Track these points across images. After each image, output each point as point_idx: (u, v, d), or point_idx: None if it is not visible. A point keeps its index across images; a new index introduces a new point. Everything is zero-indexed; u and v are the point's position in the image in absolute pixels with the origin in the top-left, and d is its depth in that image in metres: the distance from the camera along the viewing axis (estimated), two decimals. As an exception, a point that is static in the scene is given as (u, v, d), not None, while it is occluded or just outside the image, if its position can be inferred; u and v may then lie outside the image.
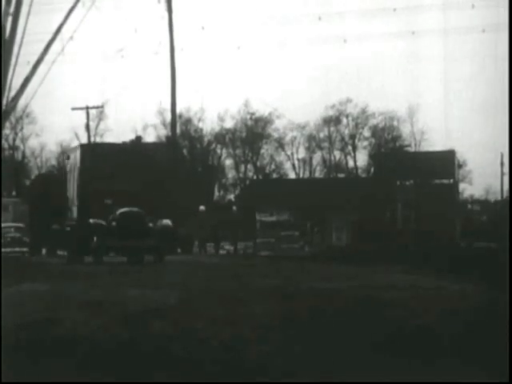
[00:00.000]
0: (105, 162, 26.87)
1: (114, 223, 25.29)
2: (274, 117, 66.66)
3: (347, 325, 9.81)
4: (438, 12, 47.16)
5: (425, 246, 30.05)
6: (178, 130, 55.55)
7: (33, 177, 61.54)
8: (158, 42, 37.98)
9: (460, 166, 54.34)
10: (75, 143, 60.87)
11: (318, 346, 8.46)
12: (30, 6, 12.04)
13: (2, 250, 31.30)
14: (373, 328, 9.51)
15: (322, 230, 39.14)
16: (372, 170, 59.32)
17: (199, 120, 67.86)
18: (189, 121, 67.39)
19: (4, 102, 12.22)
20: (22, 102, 13.45)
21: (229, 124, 68.12)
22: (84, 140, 44.85)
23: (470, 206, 48.36)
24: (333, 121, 66.36)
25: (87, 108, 54.46)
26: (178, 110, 41.90)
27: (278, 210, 37.22)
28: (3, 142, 61.83)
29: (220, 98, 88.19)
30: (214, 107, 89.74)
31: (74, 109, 55.04)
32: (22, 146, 69.04)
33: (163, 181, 28.73)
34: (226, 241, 38.79)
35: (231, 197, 67.33)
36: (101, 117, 64.75)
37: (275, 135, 68.10)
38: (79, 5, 13.81)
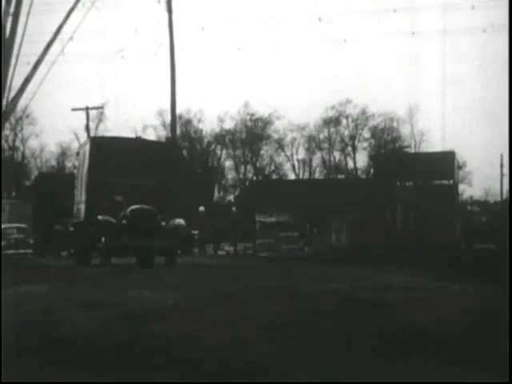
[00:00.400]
0: (116, 156, 24.98)
1: (124, 221, 23.21)
2: (274, 118, 66.81)
3: (347, 325, 9.81)
4: (438, 13, 47.15)
5: (424, 246, 30.06)
6: (178, 131, 55.65)
7: (33, 177, 61.57)
8: (158, 42, 38.06)
9: (460, 167, 54.40)
10: (75, 144, 60.94)
11: (318, 345, 8.47)
12: (30, 6, 12.05)
13: (6, 251, 31.18)
14: (372, 328, 9.51)
15: (322, 231, 39.19)
16: (372, 170, 59.39)
17: (199, 121, 68.01)
18: (189, 122, 67.53)
19: (4, 102, 12.22)
20: (21, 103, 13.46)
21: (228, 125, 68.28)
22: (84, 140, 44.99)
23: (469, 207, 48.35)
24: (332, 122, 66.50)
25: (87, 109, 54.62)
26: (177, 111, 42.02)
27: (277, 211, 37.23)
28: (3, 142, 61.91)
29: (220, 98, 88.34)
30: (213, 108, 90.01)
31: (73, 109, 55.18)
32: (21, 147, 69.20)
33: (173, 179, 27.54)
34: (225, 242, 38.81)
35: (231, 198, 67.38)
36: (101, 117, 64.98)
37: (275, 136, 68.26)
38: (79, 5, 13.83)
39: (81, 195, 26.07)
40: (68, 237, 28.91)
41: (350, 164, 67.53)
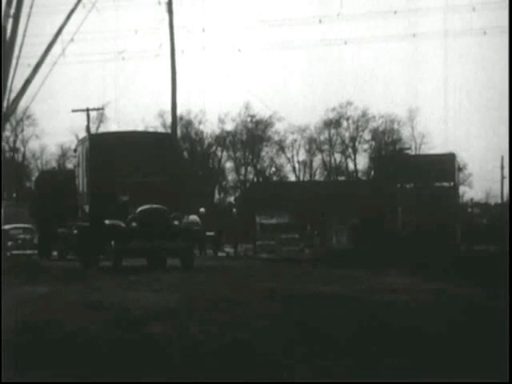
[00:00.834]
0: (118, 153, 23.81)
1: (133, 224, 21.69)
2: (275, 119, 66.87)
3: (346, 325, 9.83)
4: (438, 14, 47.27)
5: (425, 248, 30.07)
6: (179, 133, 55.67)
7: (33, 178, 61.56)
8: (159, 43, 38.01)
9: (460, 169, 54.38)
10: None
11: (317, 346, 8.48)
12: (31, 7, 12.08)
13: (12, 252, 31.04)
14: (372, 328, 9.53)
15: (322, 233, 39.18)
16: (372, 172, 59.44)
17: (200, 122, 68.02)
18: (189, 123, 67.57)
19: (5, 104, 12.25)
20: (22, 104, 13.50)
21: (229, 126, 68.33)
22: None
23: (470, 209, 48.37)
24: (333, 123, 66.57)
25: (87, 110, 54.68)
26: (178, 113, 42.00)
27: (278, 213, 37.25)
28: (4, 143, 61.94)
29: (220, 100, 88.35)
30: (214, 109, 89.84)
31: (74, 111, 55.26)
32: (22, 148, 69.25)
33: (181, 172, 25.98)
34: (225, 243, 38.80)
35: (231, 199, 67.42)
36: (101, 119, 65.04)
37: (275, 138, 68.30)
38: (80, 7, 13.86)
39: (84, 196, 25.06)
40: (73, 240, 27.34)
41: (351, 166, 67.63)
